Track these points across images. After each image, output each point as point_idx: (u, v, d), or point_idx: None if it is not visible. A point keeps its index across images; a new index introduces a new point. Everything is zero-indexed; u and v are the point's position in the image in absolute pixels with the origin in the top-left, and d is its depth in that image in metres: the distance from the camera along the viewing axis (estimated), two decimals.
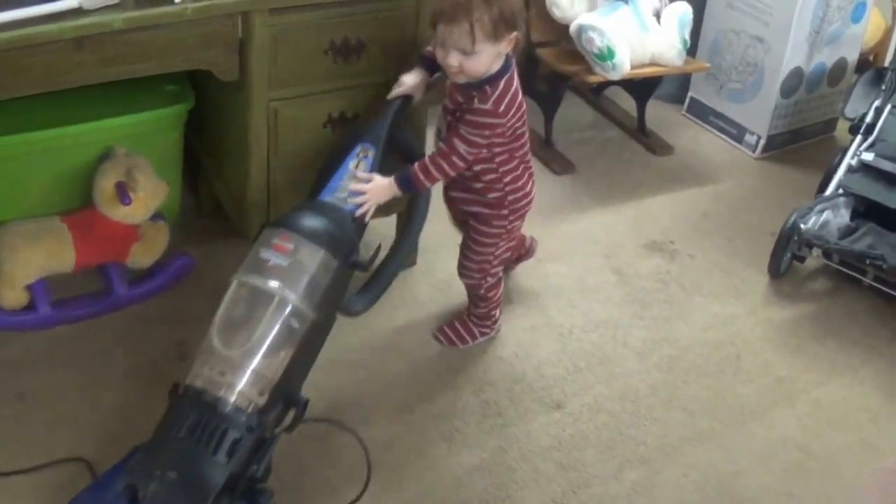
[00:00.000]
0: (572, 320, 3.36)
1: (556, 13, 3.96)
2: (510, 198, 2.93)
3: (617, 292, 3.50)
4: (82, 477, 2.64)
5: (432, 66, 2.85)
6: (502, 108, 2.73)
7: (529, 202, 2.99)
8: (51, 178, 3.16)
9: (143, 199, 3.15)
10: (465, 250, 3.07)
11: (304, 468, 2.76)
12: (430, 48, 2.82)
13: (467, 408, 3.01)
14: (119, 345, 3.11)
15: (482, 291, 3.11)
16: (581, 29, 3.87)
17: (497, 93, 2.72)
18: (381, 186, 2.78)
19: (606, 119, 4.54)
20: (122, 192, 3.07)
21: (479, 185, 2.92)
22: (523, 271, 3.52)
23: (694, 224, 3.92)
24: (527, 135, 2.90)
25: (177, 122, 3.28)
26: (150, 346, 3.11)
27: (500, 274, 3.14)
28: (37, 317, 3.18)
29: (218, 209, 3.44)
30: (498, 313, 3.21)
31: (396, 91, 2.86)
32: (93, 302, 3.26)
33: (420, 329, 3.25)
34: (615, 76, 3.94)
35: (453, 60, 2.67)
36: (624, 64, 3.89)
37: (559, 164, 4.11)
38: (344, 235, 2.65)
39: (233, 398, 2.40)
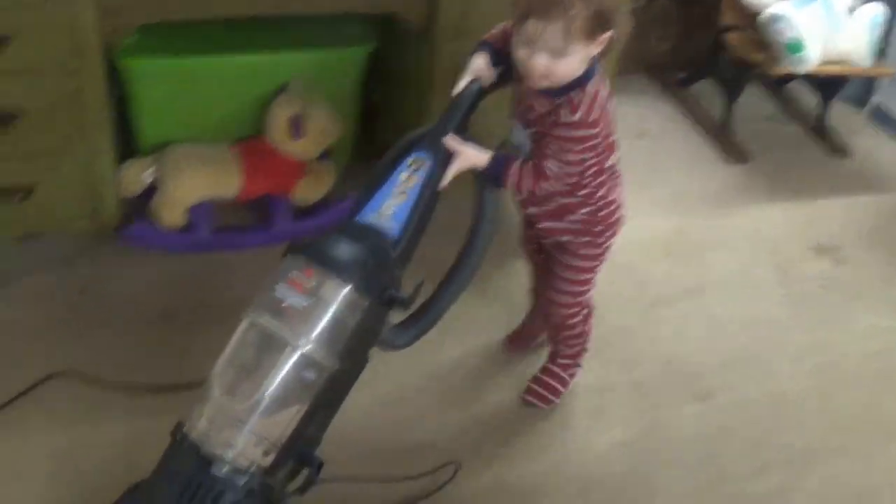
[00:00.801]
0: (730, 313, 3.28)
1: None
2: (602, 213, 2.56)
3: (778, 291, 3.41)
4: None
5: (497, 59, 2.45)
6: (592, 117, 2.34)
7: (621, 217, 2.62)
8: (228, 105, 3.20)
9: (314, 136, 3.16)
10: (554, 284, 2.70)
11: None
12: (493, 32, 2.48)
13: (617, 386, 2.96)
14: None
15: (577, 328, 2.79)
16: (773, 18, 3.78)
17: (585, 101, 2.33)
18: (473, 153, 2.37)
19: (786, 113, 4.42)
20: (296, 127, 3.09)
21: (565, 201, 2.53)
22: (684, 257, 3.44)
23: (864, 232, 3.80)
24: (616, 143, 2.51)
25: (357, 64, 3.28)
26: None
27: (593, 304, 2.82)
28: (196, 240, 3.23)
29: None
30: (587, 348, 2.88)
31: (464, 81, 2.44)
32: (253, 232, 3.29)
33: None
34: (801, 70, 3.85)
35: (540, 62, 2.27)
36: (812, 58, 3.80)
37: (733, 152, 4.02)
38: (380, 266, 2.19)
39: (231, 456, 2.08)
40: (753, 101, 4.41)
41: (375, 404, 2.74)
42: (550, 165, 2.37)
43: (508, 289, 3.16)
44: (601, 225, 2.57)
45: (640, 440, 2.81)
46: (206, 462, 2.06)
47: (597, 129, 2.36)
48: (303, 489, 2.17)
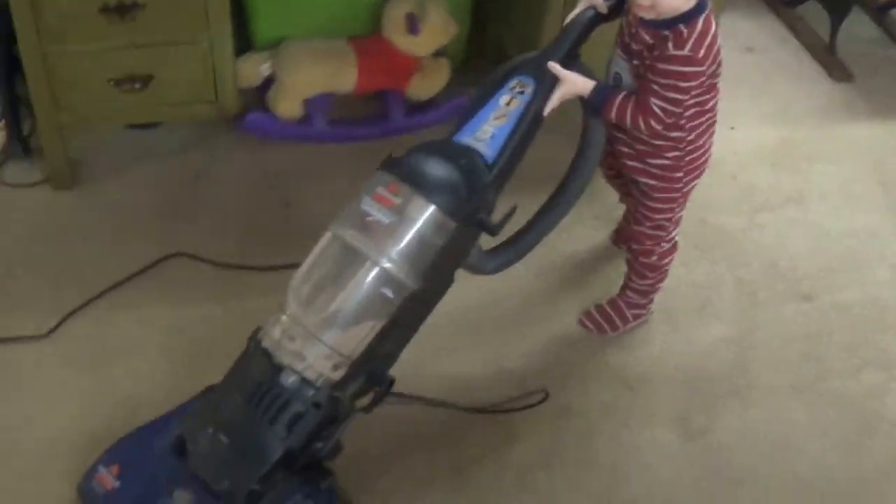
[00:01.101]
0: (832, 222, 3.32)
1: None
2: (688, 157, 2.47)
3: (881, 203, 3.43)
4: None
5: None
6: (702, 52, 2.24)
7: (707, 160, 2.53)
8: (344, 2, 3.25)
9: (430, 33, 3.22)
10: (634, 214, 2.65)
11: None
12: None
13: (721, 283, 3.03)
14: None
15: (654, 259, 2.70)
16: None
17: (695, 35, 2.23)
18: (578, 80, 2.30)
19: (890, 38, 4.40)
20: (412, 23, 3.15)
21: (656, 142, 2.45)
22: (789, 168, 3.48)
23: None
24: (718, 85, 2.41)
25: None
26: None
27: (677, 238, 2.73)
28: (311, 130, 3.31)
29: (500, 57, 3.48)
30: (659, 289, 2.83)
31: (579, 8, 2.40)
32: (367, 125, 3.37)
33: None
34: None
35: None
36: None
37: (838, 71, 4.03)
38: (472, 189, 2.13)
39: (301, 368, 2.07)
40: (858, 25, 4.38)
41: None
42: (654, 101, 2.28)
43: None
44: (683, 171, 2.49)
45: (743, 336, 2.89)
46: (275, 371, 2.07)
47: (703, 67, 2.25)
48: (370, 407, 2.16)
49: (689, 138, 2.43)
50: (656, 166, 2.49)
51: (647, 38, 2.30)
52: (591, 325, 2.84)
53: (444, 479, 2.47)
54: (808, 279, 3.08)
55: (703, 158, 2.51)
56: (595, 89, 2.32)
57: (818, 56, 4.05)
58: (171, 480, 2.15)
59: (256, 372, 2.10)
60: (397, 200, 2.06)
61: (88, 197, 3.12)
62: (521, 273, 2.75)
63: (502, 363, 2.74)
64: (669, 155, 2.46)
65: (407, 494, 2.42)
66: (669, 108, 2.29)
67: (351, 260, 2.06)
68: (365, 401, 2.16)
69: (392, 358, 2.18)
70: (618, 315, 2.82)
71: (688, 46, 2.22)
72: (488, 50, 3.64)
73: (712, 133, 2.49)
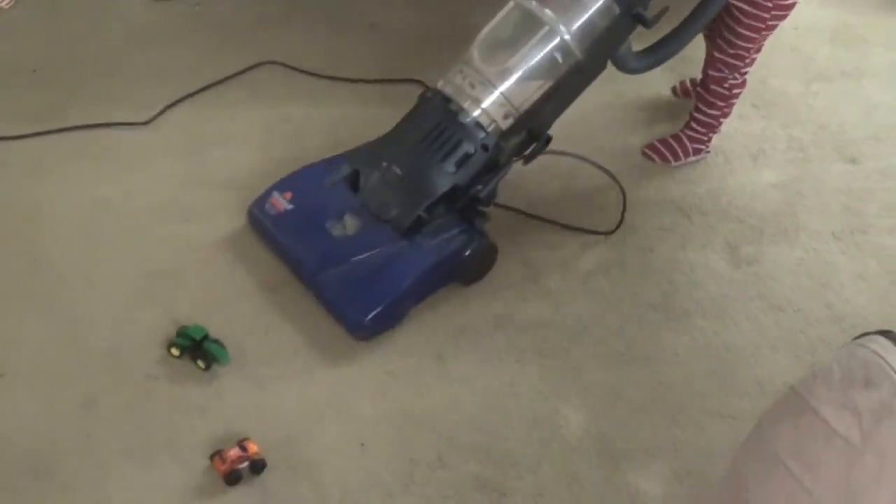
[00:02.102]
0: (881, 97, 3.46)
1: None
2: None
3: None
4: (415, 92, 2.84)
5: None
6: None
7: (793, 5, 2.74)
8: None
9: None
10: (716, 40, 2.83)
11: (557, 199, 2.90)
12: None
13: (775, 137, 3.21)
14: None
15: (725, 87, 2.90)
16: None
17: None
18: None
19: None
20: None
21: None
22: (846, 46, 3.64)
23: None
24: None
25: None
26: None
27: (747, 76, 2.92)
28: None
29: None
30: (719, 128, 3.03)
31: None
32: None
33: None
34: None
35: None
36: None
37: None
38: None
39: (476, 112, 2.42)
40: None
41: None
42: None
43: None
44: (773, 3, 2.69)
45: (791, 184, 3.07)
46: (451, 112, 2.42)
47: None
48: (528, 158, 2.52)
49: None
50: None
51: None
52: (653, 155, 3.04)
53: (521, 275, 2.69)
54: (855, 144, 3.24)
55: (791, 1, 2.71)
56: None
57: None
58: (342, 208, 2.48)
59: (434, 114, 2.44)
60: None
61: (186, 7, 3.33)
62: (592, 105, 2.93)
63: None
64: None
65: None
66: None
67: (532, 25, 2.43)
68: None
69: (548, 122, 2.52)
70: (680, 147, 3.03)
71: None
72: None
73: None
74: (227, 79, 3.04)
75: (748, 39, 2.77)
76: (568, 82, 2.48)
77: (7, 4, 3.24)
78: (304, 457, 2.21)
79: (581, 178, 2.96)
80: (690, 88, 3.23)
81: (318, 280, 2.43)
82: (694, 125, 3.01)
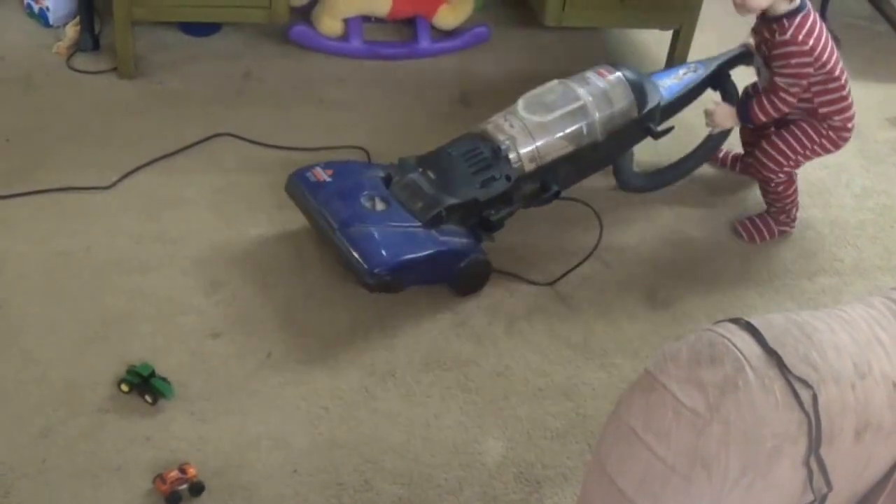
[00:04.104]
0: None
1: None
2: (836, 121, 3.08)
3: (851, 147, 3.67)
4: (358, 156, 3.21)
5: None
6: (802, 35, 2.88)
7: (850, 134, 3.14)
8: None
9: None
10: (763, 144, 3.14)
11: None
12: None
13: None
14: (410, 81, 3.74)
15: (771, 186, 3.19)
16: None
17: (795, 24, 2.89)
18: (726, 111, 3.13)
19: (880, 15, 4.73)
20: None
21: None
22: None
23: None
24: (844, 76, 3.03)
25: None
26: (436, 91, 3.73)
27: (795, 175, 3.21)
28: (349, 46, 3.78)
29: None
30: (795, 212, 3.27)
31: (742, 42, 3.26)
32: (398, 47, 3.83)
33: None
34: None
35: None
36: None
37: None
38: (652, 100, 3.09)
39: (509, 148, 2.89)
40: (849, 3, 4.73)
41: None
42: (777, 80, 2.94)
43: None
44: (826, 124, 3.08)
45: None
46: (488, 142, 2.91)
47: (807, 47, 2.88)
48: (530, 202, 3.01)
49: (826, 111, 3.06)
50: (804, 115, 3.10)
51: (765, 33, 2.99)
52: (743, 232, 3.30)
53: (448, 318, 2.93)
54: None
55: (848, 131, 3.14)
56: (739, 111, 3.10)
57: None
58: (373, 193, 2.86)
59: (475, 141, 2.93)
60: (612, 79, 3.05)
61: (148, 85, 3.58)
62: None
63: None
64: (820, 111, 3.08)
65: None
66: (790, 82, 2.95)
67: (572, 98, 2.99)
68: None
69: (563, 180, 3.02)
70: (765, 227, 3.29)
71: (789, 32, 2.89)
72: None
73: (853, 117, 3.12)
74: (184, 148, 3.28)
75: (772, 171, 3.16)
76: (584, 155, 3.00)
77: None
78: (240, 482, 2.41)
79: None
80: (729, 163, 3.53)
81: (347, 232, 2.76)
82: (772, 210, 3.28)
